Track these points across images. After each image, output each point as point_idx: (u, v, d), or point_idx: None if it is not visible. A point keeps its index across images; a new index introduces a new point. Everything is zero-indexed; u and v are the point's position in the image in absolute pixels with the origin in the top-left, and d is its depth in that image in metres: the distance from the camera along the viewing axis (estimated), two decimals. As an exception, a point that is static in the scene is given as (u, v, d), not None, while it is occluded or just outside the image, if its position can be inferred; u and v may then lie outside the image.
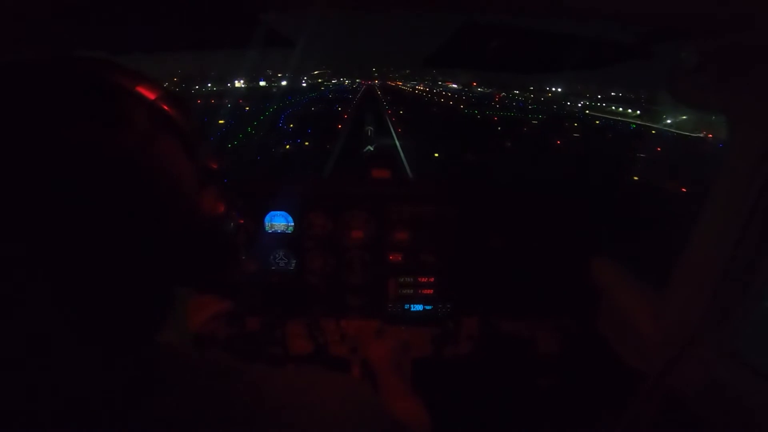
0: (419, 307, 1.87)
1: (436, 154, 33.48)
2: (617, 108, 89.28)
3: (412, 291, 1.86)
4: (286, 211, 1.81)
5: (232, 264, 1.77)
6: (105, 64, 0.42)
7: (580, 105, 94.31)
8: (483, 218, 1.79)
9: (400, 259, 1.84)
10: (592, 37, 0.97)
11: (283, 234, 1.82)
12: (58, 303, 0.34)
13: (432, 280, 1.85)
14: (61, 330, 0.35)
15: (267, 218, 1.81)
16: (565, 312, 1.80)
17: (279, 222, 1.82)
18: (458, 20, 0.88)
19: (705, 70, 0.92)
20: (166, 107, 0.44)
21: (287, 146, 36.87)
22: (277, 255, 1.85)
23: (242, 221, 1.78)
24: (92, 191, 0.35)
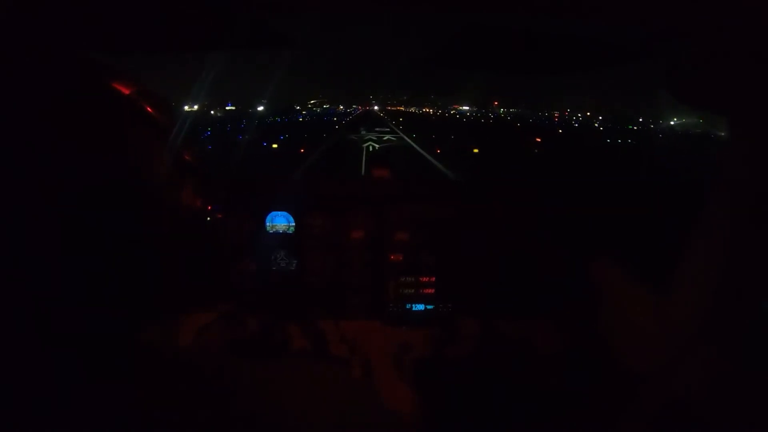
0: (420, 307, 1.87)
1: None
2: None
3: (413, 291, 1.86)
4: (287, 211, 1.81)
5: (218, 262, 1.77)
6: (82, 60, 0.43)
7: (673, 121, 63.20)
8: (483, 218, 1.79)
9: (400, 258, 1.84)
10: (592, 37, 0.97)
11: (284, 234, 1.83)
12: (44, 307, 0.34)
13: (433, 279, 1.85)
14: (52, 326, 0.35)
15: (268, 218, 1.82)
16: (566, 312, 1.80)
17: (280, 222, 1.83)
18: (460, 24, 0.88)
19: (705, 70, 0.92)
20: (141, 101, 0.46)
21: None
22: (278, 255, 1.85)
23: (220, 215, 1.78)
24: (70, 179, 0.35)
